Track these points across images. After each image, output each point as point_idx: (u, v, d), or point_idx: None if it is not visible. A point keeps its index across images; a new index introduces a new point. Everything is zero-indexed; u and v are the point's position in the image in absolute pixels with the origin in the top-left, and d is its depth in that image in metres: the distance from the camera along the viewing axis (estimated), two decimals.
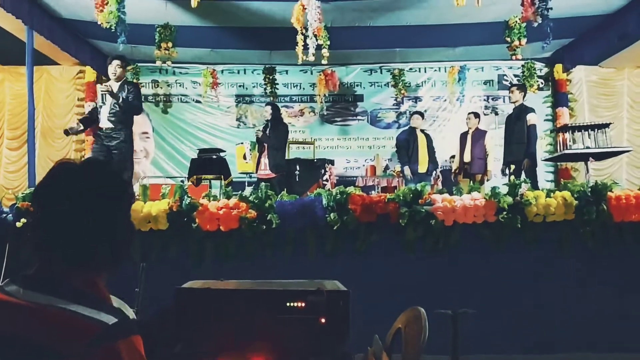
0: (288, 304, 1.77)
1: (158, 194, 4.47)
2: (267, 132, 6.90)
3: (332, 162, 7.21)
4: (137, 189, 5.27)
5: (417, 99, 9.61)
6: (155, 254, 4.09)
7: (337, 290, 1.84)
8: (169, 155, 9.37)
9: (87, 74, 9.09)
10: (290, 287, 1.89)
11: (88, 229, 1.10)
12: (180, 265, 4.11)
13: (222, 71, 9.46)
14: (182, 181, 5.66)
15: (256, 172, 6.93)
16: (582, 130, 5.82)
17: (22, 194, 4.43)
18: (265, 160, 6.83)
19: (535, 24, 6.08)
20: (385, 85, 9.55)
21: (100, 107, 5.65)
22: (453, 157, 8.18)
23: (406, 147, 7.52)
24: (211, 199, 4.32)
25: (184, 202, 4.13)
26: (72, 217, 1.10)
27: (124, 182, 1.20)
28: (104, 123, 5.42)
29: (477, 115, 7.76)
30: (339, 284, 2.01)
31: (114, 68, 5.42)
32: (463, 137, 7.67)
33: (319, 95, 9.30)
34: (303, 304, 1.77)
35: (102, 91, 6.30)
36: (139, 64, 9.01)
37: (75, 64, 9.00)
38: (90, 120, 5.78)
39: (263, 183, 5.32)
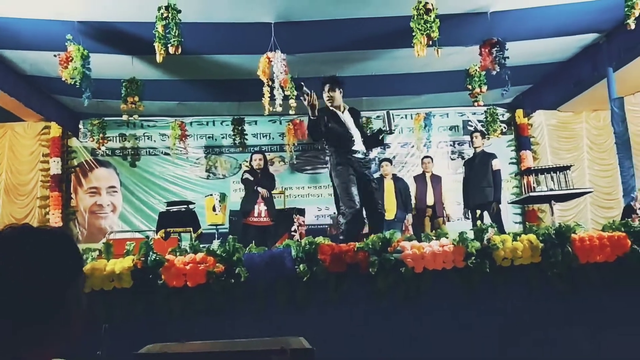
0: None
1: (123, 250, 4.36)
2: (261, 180, 6.86)
3: (301, 212, 7.19)
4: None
5: (385, 146, 9.76)
6: (119, 314, 3.95)
7: (301, 349, 1.79)
8: (137, 209, 9.24)
9: (53, 130, 9.03)
10: (253, 347, 1.83)
11: (30, 304, 1.03)
12: (147, 325, 3.96)
13: (191, 123, 9.51)
14: (148, 236, 5.52)
15: (245, 218, 6.78)
16: (545, 173, 5.98)
17: None
18: (261, 207, 6.73)
19: (494, 72, 6.31)
20: None
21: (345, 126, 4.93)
22: None
23: None
24: (177, 253, 4.23)
25: (149, 258, 4.03)
26: (12, 291, 1.02)
27: (72, 251, 1.13)
28: (360, 146, 4.95)
29: (432, 159, 8.14)
30: (304, 341, 1.96)
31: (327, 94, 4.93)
32: (420, 179, 7.86)
33: (289, 144, 9.40)
34: None
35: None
36: (106, 118, 8.97)
37: (40, 120, 8.92)
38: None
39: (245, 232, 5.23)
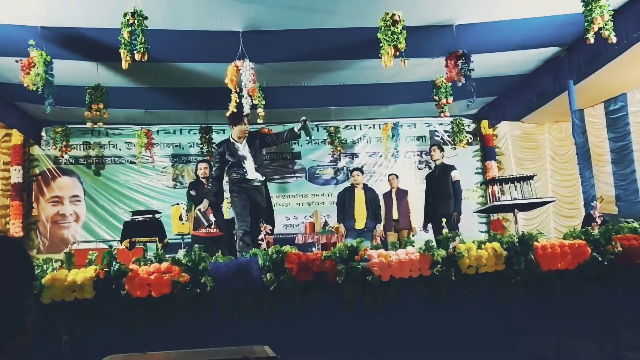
0: None
1: (85, 261, 4.25)
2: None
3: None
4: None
5: (353, 155, 9.85)
6: (81, 326, 3.84)
7: (265, 357, 1.78)
8: (102, 219, 9.05)
9: (14, 137, 8.81)
10: (215, 357, 1.81)
11: None
12: (109, 337, 3.86)
13: (158, 131, 9.39)
14: (111, 246, 5.39)
15: (194, 230, 6.74)
16: (509, 183, 6.09)
17: None
18: (210, 218, 6.68)
19: (460, 84, 6.42)
20: (322, 142, 9.74)
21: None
22: None
23: (341, 205, 7.66)
24: (142, 263, 4.14)
25: (112, 268, 3.94)
26: None
27: (25, 259, 1.10)
28: (253, 175, 5.52)
29: (397, 176, 8.31)
30: (269, 349, 1.94)
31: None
32: (387, 196, 8.12)
33: None
34: None
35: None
36: (70, 126, 8.78)
37: (1, 127, 8.68)
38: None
39: (195, 244, 5.22)
